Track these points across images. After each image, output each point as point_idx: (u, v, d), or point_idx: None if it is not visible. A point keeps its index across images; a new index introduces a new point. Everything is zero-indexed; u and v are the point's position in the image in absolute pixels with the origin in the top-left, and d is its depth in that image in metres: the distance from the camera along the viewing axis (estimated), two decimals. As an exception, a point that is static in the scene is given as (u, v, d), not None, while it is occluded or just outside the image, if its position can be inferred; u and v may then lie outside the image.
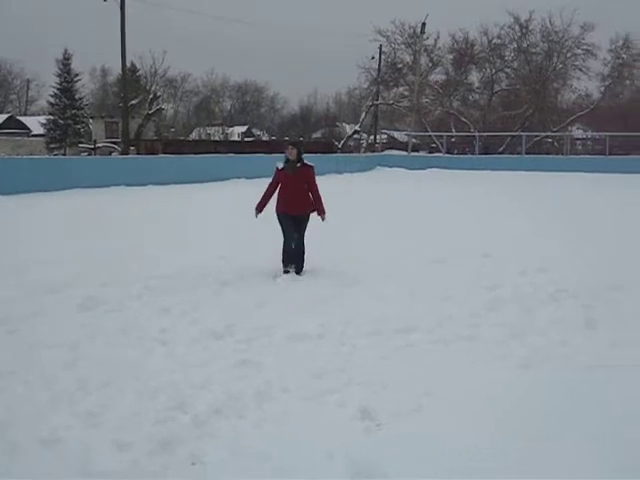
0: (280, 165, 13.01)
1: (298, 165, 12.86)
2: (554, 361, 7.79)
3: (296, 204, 12.79)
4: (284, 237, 12.85)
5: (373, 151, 69.77)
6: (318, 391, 6.83)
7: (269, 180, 12.98)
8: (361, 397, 6.62)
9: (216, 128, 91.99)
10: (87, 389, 6.91)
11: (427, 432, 5.87)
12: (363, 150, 72.70)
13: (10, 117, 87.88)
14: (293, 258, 12.83)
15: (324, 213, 12.96)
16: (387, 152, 65.95)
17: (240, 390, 6.82)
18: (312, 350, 8.24)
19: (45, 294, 11.07)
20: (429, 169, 52.95)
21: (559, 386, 7.00)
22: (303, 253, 12.96)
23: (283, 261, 12.83)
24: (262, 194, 13.02)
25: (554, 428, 5.96)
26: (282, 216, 12.82)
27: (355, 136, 76.26)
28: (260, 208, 12.98)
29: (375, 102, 73.92)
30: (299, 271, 12.83)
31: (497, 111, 78.28)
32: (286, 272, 12.66)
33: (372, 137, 75.98)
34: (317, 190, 12.99)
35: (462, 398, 6.64)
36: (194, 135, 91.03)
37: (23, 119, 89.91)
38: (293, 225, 12.82)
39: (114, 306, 10.28)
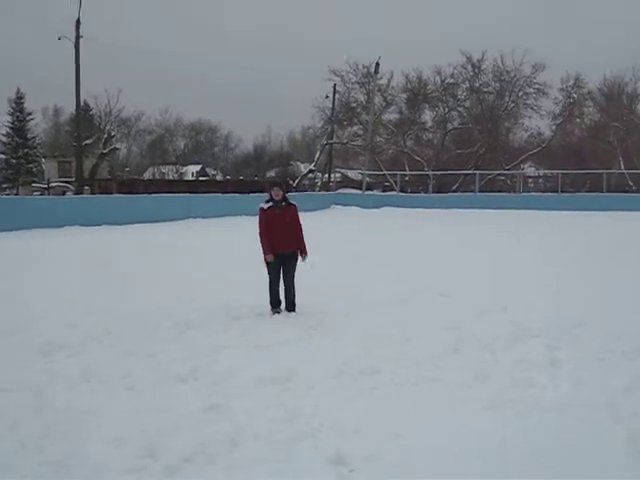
0: (265, 205, 12.89)
1: (283, 204, 12.94)
2: (520, 402, 7.80)
3: (285, 242, 12.81)
4: (270, 278, 12.85)
5: (327, 190, 69.91)
6: (289, 436, 6.77)
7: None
8: (333, 442, 6.57)
9: (170, 167, 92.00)
10: (52, 437, 6.79)
11: (398, 475, 5.84)
12: (318, 189, 72.88)
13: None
14: (278, 299, 12.84)
15: (305, 253, 13.03)
16: (341, 190, 66.07)
17: (210, 436, 6.74)
18: (280, 393, 8.16)
19: (1, 336, 10.93)
20: (383, 207, 53.18)
21: (526, 427, 7.01)
22: (294, 290, 12.91)
23: (271, 302, 12.86)
24: (260, 239, 12.84)
25: (524, 468, 5.96)
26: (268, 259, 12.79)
27: (310, 175, 76.53)
28: (270, 249, 12.73)
29: (329, 141, 74.27)
30: (293, 308, 12.86)
31: (450, 150, 78.89)
32: (276, 313, 12.67)
33: (326, 176, 76.19)
34: (301, 229, 13.14)
35: (427, 440, 6.62)
36: (148, 174, 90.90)
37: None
38: (280, 265, 12.78)
39: (75, 350, 10.14)
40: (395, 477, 5.84)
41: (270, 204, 12.89)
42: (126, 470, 6.02)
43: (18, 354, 9.93)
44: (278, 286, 12.83)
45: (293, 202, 13.19)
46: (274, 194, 12.89)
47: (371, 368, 9.13)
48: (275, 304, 12.83)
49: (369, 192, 64.86)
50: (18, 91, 65.74)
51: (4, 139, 67.10)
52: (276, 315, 12.61)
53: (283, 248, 12.78)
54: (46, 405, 7.75)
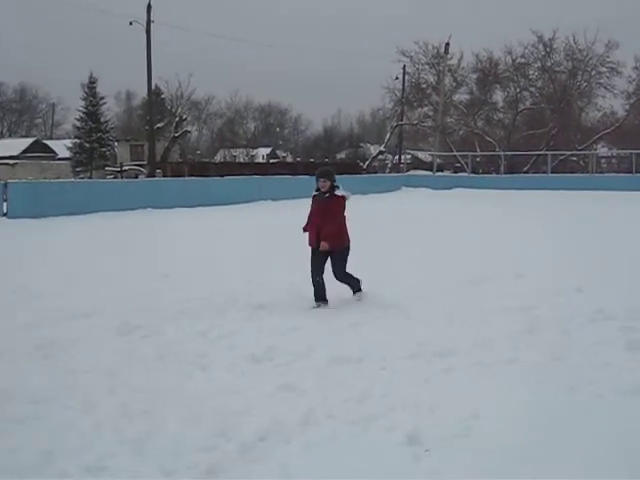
0: (314, 193, 12.40)
1: (327, 196, 12.13)
2: (598, 384, 7.67)
3: (321, 237, 11.93)
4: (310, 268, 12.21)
5: (398, 171, 69.65)
6: (363, 416, 6.74)
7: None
8: (407, 422, 6.51)
9: (241, 150, 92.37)
10: (129, 416, 6.87)
11: (477, 457, 5.79)
12: (388, 170, 72.77)
13: (36, 141, 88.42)
14: (321, 293, 12.10)
15: (325, 242, 11.87)
16: (412, 172, 65.90)
17: (284, 415, 6.75)
18: (353, 374, 8.15)
19: (78, 319, 11.08)
20: (454, 189, 52.71)
21: (604, 410, 6.89)
22: (347, 282, 12.35)
23: (315, 295, 12.15)
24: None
25: (602, 453, 5.86)
26: (311, 249, 12.25)
27: (380, 157, 76.39)
28: (310, 240, 12.20)
29: (399, 122, 74.04)
30: (357, 289, 12.43)
31: (522, 130, 78.06)
32: (318, 306, 12.02)
33: (397, 157, 75.94)
34: (338, 223, 12.05)
35: (508, 422, 6.53)
36: (219, 157, 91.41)
37: (49, 143, 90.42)
38: (321, 258, 12.10)
39: (150, 330, 10.25)
40: (474, 459, 5.78)
41: (315, 194, 12.34)
42: (201, 448, 6.05)
43: (95, 335, 10.05)
44: (320, 278, 12.06)
45: (342, 193, 12.17)
46: (320, 185, 12.12)
47: (445, 349, 9.06)
48: (318, 297, 12.10)
49: (440, 173, 64.60)
50: (91, 76, 66.35)
51: (78, 124, 67.84)
52: (351, 297, 12.46)
53: (318, 244, 11.97)
54: (122, 385, 7.84)
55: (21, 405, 7.21)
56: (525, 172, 66.14)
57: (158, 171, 55.27)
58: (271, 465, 5.74)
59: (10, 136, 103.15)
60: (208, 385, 7.82)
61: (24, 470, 5.69)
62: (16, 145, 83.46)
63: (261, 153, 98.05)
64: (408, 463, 5.76)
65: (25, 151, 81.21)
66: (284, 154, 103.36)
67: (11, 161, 71.71)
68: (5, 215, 30.02)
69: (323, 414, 6.83)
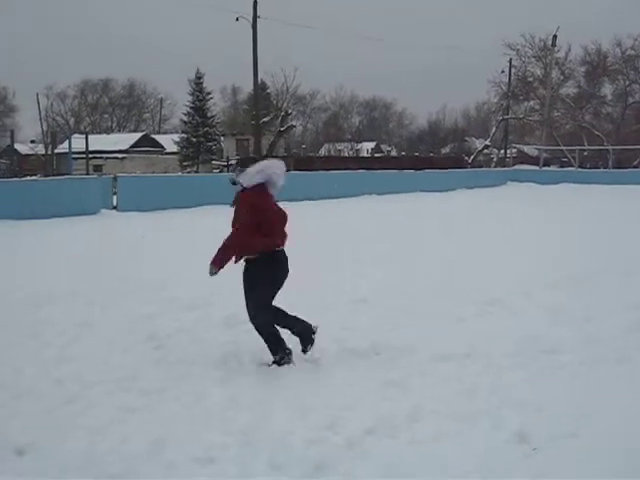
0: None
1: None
2: None
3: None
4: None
5: (504, 166, 68.86)
6: (470, 413, 6.73)
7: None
8: (515, 420, 6.48)
9: (345, 144, 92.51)
10: (238, 407, 6.99)
11: (587, 458, 5.71)
12: (493, 165, 71.93)
13: (144, 135, 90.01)
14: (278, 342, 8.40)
15: (213, 263, 8.69)
16: (518, 167, 64.87)
17: (390, 410, 6.78)
18: (459, 370, 8.13)
19: (186, 311, 11.30)
20: (561, 183, 51.76)
21: None
22: (258, 329, 8.41)
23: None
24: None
25: None
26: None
27: (485, 151, 75.60)
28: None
29: (505, 116, 73.18)
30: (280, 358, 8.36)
31: (631, 124, 76.43)
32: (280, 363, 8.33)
33: (502, 152, 75.14)
34: (235, 231, 8.68)
35: (620, 423, 6.43)
36: (323, 151, 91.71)
37: (157, 137, 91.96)
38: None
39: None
40: (583, 459, 5.71)
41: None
42: (309, 441, 6.13)
43: (203, 327, 10.23)
44: (267, 317, 8.41)
45: (248, 184, 8.83)
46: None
47: (553, 346, 8.97)
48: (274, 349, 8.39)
49: (546, 168, 63.52)
50: (198, 71, 67.42)
51: (185, 118, 69.04)
52: (452, 292, 12.37)
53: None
54: (231, 376, 7.97)
55: (133, 395, 7.39)
56: (634, 167, 64.68)
57: (263, 165, 55.63)
58: (378, 460, 5.77)
59: (119, 131, 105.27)
60: (316, 378, 7.91)
61: (135, 458, 5.85)
62: (125, 139, 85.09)
63: (365, 147, 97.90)
64: (515, 462, 5.72)
65: (134, 145, 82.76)
66: (388, 148, 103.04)
67: (120, 155, 73.29)
68: (115, 208, 30.64)
69: (429, 410, 6.82)
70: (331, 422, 6.50)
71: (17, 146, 61.64)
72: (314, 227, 23.25)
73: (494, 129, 74.68)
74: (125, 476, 5.52)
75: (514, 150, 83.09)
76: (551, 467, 5.59)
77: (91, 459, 5.77)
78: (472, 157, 71.63)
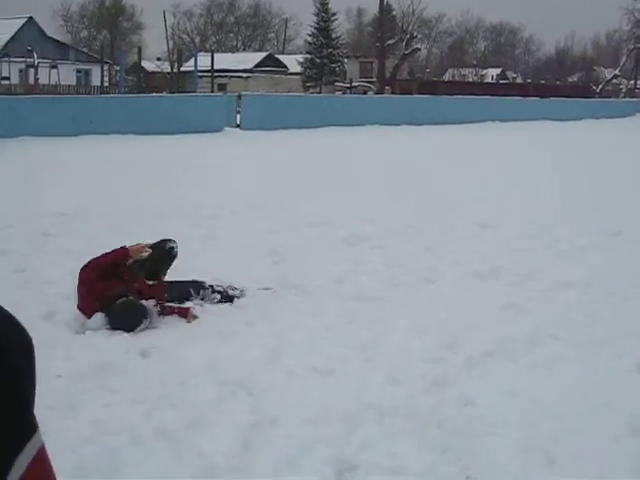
0: None
1: None
2: None
3: None
4: None
5: (633, 97, 66.80)
6: (590, 340, 6.60)
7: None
8: (636, 350, 6.35)
9: (470, 70, 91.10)
10: (358, 322, 7.05)
11: None
12: (622, 95, 69.85)
13: (269, 55, 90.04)
14: None
15: None
16: (648, 98, 62.87)
17: (510, 334, 6.71)
18: (581, 298, 7.99)
19: (308, 228, 11.39)
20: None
21: None
22: None
23: None
24: None
25: None
26: None
27: (614, 81, 73.46)
28: None
29: (637, 45, 70.80)
30: None
31: None
32: None
33: (632, 82, 72.88)
34: None
35: None
36: (447, 76, 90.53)
37: (281, 57, 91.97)
38: None
39: (377, 243, 10.39)
40: None
41: None
42: (428, 359, 6.12)
43: (324, 244, 10.32)
44: None
45: None
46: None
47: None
48: None
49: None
50: (323, -8, 67.06)
51: (309, 39, 68.82)
52: (577, 220, 12.07)
53: None
54: (349, 292, 8.04)
55: (251, 304, 7.56)
56: None
57: (387, 88, 55.38)
58: (496, 382, 5.73)
59: (244, 50, 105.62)
60: (435, 298, 7.89)
61: (255, 365, 5.97)
62: (250, 59, 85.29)
63: (490, 74, 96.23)
64: (636, 390, 5.63)
65: (258, 65, 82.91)
66: (514, 75, 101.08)
67: (244, 74, 73.59)
68: (238, 126, 30.94)
69: (549, 335, 6.72)
70: (450, 342, 6.46)
71: (144, 63, 62.55)
72: (441, 151, 23.10)
73: (624, 58, 72.48)
74: (246, 380, 5.62)
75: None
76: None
77: (213, 364, 5.89)
78: (600, 87, 69.72)
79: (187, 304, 7.33)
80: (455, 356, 6.21)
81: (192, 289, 7.55)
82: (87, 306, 6.87)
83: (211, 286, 7.67)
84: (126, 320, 6.66)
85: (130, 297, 6.84)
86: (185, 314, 7.11)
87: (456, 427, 5.01)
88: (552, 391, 5.57)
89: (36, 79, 50.71)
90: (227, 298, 7.65)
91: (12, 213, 11.81)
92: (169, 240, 7.53)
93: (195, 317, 7.10)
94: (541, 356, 6.28)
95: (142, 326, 6.65)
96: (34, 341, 1.17)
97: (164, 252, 7.45)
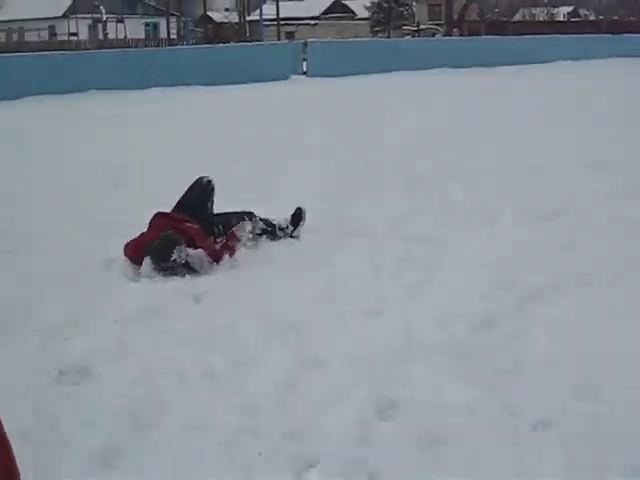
0: None
1: None
2: None
3: None
4: None
5: None
6: (640, 281, 6.48)
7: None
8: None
9: (541, 9, 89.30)
10: (411, 263, 7.07)
11: None
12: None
13: (336, 1, 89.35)
14: None
15: None
16: None
17: (561, 273, 6.66)
18: (636, 234, 7.81)
19: (366, 170, 11.48)
20: None
21: None
22: None
23: None
24: None
25: None
26: None
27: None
28: None
29: None
30: None
31: None
32: None
33: None
34: None
35: None
36: (518, 16, 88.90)
37: (348, 3, 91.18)
38: None
39: (436, 186, 10.33)
40: None
41: None
42: (479, 297, 6.12)
43: (383, 187, 10.37)
44: None
45: None
46: None
47: None
48: None
49: None
50: None
51: (377, -17, 68.31)
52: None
53: None
54: (405, 232, 8.06)
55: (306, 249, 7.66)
56: None
57: (455, 30, 54.71)
58: (544, 319, 5.69)
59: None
60: (489, 238, 7.88)
61: (308, 308, 6.04)
62: (317, 6, 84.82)
63: (562, 12, 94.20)
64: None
65: (325, 12, 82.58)
66: (586, 12, 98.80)
67: (312, 22, 73.32)
68: (305, 74, 30.92)
69: (600, 275, 6.61)
70: (502, 282, 6.44)
71: (213, 14, 62.65)
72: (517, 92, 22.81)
73: None
74: (301, 324, 5.69)
75: None
76: None
77: (264, 307, 5.98)
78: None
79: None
80: (506, 296, 6.17)
81: (238, 219, 7.54)
82: (134, 253, 7.01)
83: (262, 219, 7.76)
84: (159, 252, 6.76)
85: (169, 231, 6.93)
86: (231, 249, 7.20)
87: (503, 366, 5.02)
88: (600, 332, 5.47)
89: (105, 34, 51.22)
90: (273, 233, 7.79)
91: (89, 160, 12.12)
92: (203, 177, 7.65)
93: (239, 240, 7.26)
94: (590, 295, 6.19)
95: (175, 255, 6.71)
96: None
97: (202, 187, 7.60)
